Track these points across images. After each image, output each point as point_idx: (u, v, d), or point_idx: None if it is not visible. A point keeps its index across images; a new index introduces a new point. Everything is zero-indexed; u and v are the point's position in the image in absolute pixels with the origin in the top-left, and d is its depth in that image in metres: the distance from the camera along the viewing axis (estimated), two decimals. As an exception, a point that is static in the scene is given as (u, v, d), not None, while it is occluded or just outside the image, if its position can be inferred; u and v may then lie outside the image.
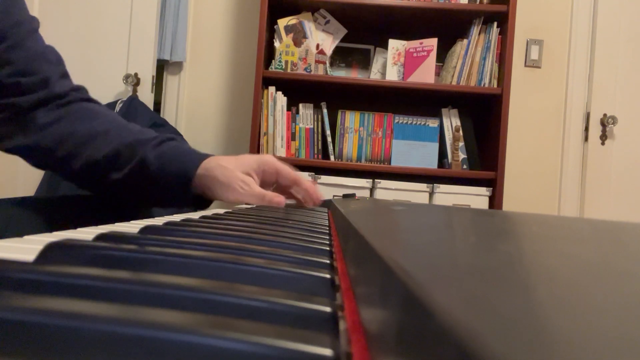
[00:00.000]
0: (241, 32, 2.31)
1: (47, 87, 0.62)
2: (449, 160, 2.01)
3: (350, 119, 2.04)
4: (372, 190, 1.94)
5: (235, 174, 0.61)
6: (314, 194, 0.68)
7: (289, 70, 1.97)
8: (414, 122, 2.03)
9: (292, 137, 2.03)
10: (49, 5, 2.14)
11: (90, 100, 0.67)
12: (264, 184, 0.67)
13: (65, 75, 0.66)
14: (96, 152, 0.61)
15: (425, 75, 1.98)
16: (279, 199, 0.62)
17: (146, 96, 2.10)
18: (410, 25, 2.09)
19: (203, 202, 0.65)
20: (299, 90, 2.12)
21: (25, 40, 0.62)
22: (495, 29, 1.95)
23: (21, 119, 0.61)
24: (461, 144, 2.02)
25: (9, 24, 0.61)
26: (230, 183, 0.60)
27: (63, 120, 0.62)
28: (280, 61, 1.99)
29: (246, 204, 0.65)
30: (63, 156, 0.61)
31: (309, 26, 2.04)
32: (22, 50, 0.61)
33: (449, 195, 1.92)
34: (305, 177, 0.67)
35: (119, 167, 0.61)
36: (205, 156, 0.62)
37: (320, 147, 2.06)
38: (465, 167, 2.02)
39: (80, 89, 0.67)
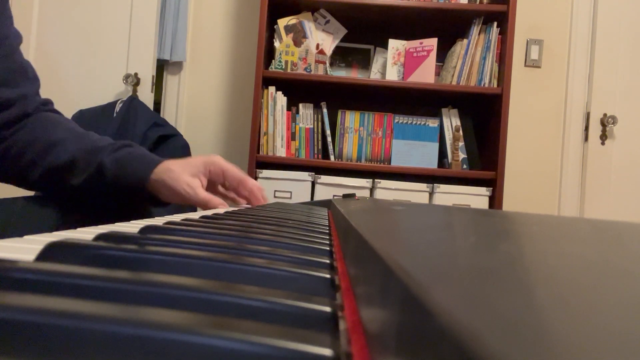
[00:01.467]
0: (241, 32, 2.31)
1: (23, 104, 0.64)
2: (449, 160, 2.01)
3: (350, 119, 2.04)
4: (372, 190, 1.94)
5: (182, 178, 0.63)
6: (257, 195, 0.70)
7: (289, 70, 1.97)
8: (414, 122, 2.03)
9: (292, 137, 2.03)
10: (49, 5, 2.13)
11: (53, 111, 0.69)
12: (211, 185, 0.69)
13: (37, 92, 0.68)
14: (55, 159, 0.63)
15: (425, 75, 1.98)
16: (223, 206, 0.64)
17: (146, 96, 2.10)
18: (410, 25, 2.09)
19: (161, 205, 0.67)
20: (299, 90, 2.12)
21: (13, 53, 0.64)
22: (495, 29, 1.95)
23: None
24: (461, 143, 2.02)
25: (1, 34, 0.62)
26: (175, 187, 0.62)
27: (24, 130, 0.64)
28: (280, 61, 1.99)
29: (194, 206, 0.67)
30: (24, 165, 0.63)
31: (309, 26, 2.04)
32: (10, 61, 0.63)
33: (449, 195, 1.92)
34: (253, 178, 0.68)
35: (78, 173, 0.63)
36: (160, 161, 0.65)
37: (320, 147, 2.06)
38: (465, 167, 2.02)
39: (47, 102, 0.69)
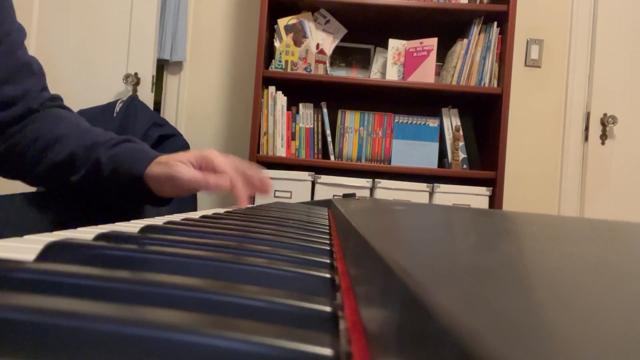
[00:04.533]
0: (241, 32, 2.31)
1: (27, 100, 0.64)
2: (449, 160, 2.01)
3: (350, 119, 2.04)
4: (372, 190, 1.94)
5: (170, 162, 0.61)
6: (240, 193, 0.67)
7: (289, 70, 1.97)
8: (414, 122, 2.03)
9: (292, 136, 2.03)
10: (49, 5, 2.13)
11: (61, 107, 0.68)
12: None
13: (44, 88, 0.67)
14: (56, 155, 0.62)
15: (425, 75, 1.98)
16: (224, 181, 0.62)
17: (146, 96, 2.10)
18: (410, 25, 2.09)
19: (163, 200, 0.65)
20: (299, 90, 2.12)
21: (16, 50, 0.63)
22: (495, 29, 1.95)
23: None
24: (461, 143, 2.02)
25: (2, 31, 0.62)
26: (166, 172, 0.60)
27: (30, 126, 0.64)
28: (280, 61, 1.99)
29: (194, 190, 0.64)
30: (29, 162, 0.63)
31: (309, 26, 2.04)
32: (11, 58, 0.62)
33: (449, 195, 1.92)
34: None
35: (76, 169, 0.62)
36: (157, 156, 0.63)
37: (320, 146, 2.06)
38: (465, 166, 2.02)
39: (56, 98, 0.68)
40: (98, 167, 0.61)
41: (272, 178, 1.91)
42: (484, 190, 1.91)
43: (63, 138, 0.63)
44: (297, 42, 2.01)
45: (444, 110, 2.05)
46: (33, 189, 0.68)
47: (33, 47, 2.08)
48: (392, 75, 2.04)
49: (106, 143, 0.63)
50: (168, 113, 2.28)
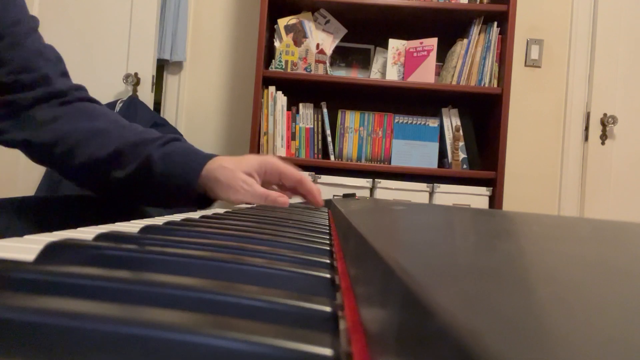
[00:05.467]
0: (241, 32, 2.31)
1: (48, 84, 0.62)
2: (449, 160, 2.01)
3: (350, 119, 2.04)
4: (372, 190, 1.94)
5: (236, 175, 0.61)
6: (317, 196, 0.68)
7: (289, 70, 1.97)
8: (414, 122, 2.03)
9: (292, 136, 2.03)
10: (49, 5, 2.13)
11: (91, 100, 0.67)
12: (265, 185, 0.66)
13: (65, 74, 0.66)
14: (98, 150, 0.60)
15: (425, 75, 1.98)
16: (283, 199, 0.62)
17: (146, 96, 2.10)
18: (410, 25, 2.09)
19: (206, 201, 0.65)
20: (299, 90, 2.12)
21: (25, 39, 0.62)
22: (495, 29, 1.95)
23: (22, 114, 0.61)
24: (461, 143, 2.02)
25: (6, 23, 0.61)
26: (231, 184, 0.60)
27: (64, 118, 0.62)
28: (280, 61, 1.99)
29: (248, 203, 0.65)
30: (62, 153, 0.61)
31: (309, 26, 2.04)
32: (21, 48, 0.61)
33: (449, 195, 1.92)
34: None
35: (122, 165, 0.60)
36: (210, 157, 0.62)
37: (320, 146, 2.06)
38: (465, 167, 2.02)
39: (81, 89, 0.67)
40: (149, 165, 0.59)
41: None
42: (484, 190, 1.91)
43: (105, 133, 0.61)
44: (297, 42, 2.01)
45: (444, 110, 2.05)
46: (32, 193, 0.68)
47: (33, 47, 2.08)
48: (392, 75, 2.04)
49: (155, 140, 0.61)
50: (168, 113, 2.28)
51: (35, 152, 0.62)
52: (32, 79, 0.61)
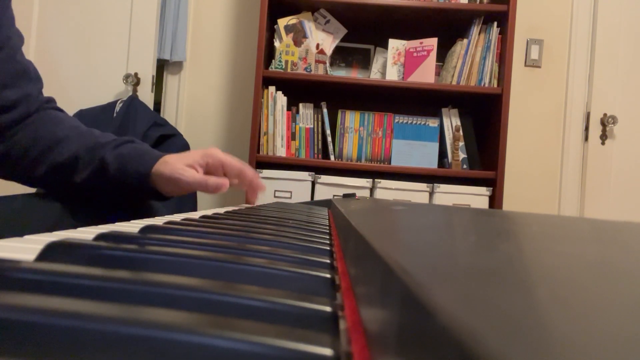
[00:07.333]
0: (241, 32, 2.31)
1: (27, 105, 0.65)
2: (449, 160, 2.01)
3: (350, 119, 2.04)
4: (372, 190, 1.94)
5: (177, 166, 0.64)
6: (254, 192, 0.73)
7: (289, 70, 1.97)
8: (414, 122, 2.03)
9: (292, 136, 2.03)
10: (49, 5, 2.13)
11: (56, 109, 0.70)
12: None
13: (40, 92, 0.69)
14: (58, 156, 0.64)
15: (425, 75, 1.98)
16: (222, 181, 0.65)
17: (146, 96, 2.10)
18: (410, 25, 2.09)
19: (162, 198, 0.68)
20: (299, 90, 2.12)
21: (16, 54, 0.64)
22: (495, 29, 1.95)
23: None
24: (461, 143, 2.02)
25: (4, 36, 0.62)
26: (172, 175, 0.63)
27: (28, 128, 0.65)
28: (280, 61, 1.99)
29: (192, 191, 0.68)
30: (29, 163, 0.64)
31: (309, 26, 2.04)
32: (12, 63, 0.63)
33: (449, 195, 1.92)
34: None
35: (80, 169, 0.64)
36: (160, 155, 0.66)
37: (320, 146, 2.06)
38: (465, 167, 2.02)
39: (50, 100, 0.70)
40: (103, 167, 0.63)
41: (272, 178, 1.91)
42: (484, 190, 1.91)
43: (64, 140, 0.64)
44: (297, 42, 2.01)
45: (444, 110, 2.05)
46: (32, 190, 0.69)
47: (33, 47, 2.08)
48: (392, 75, 2.04)
49: (109, 144, 0.65)
50: (168, 113, 2.28)
51: (5, 167, 0.65)
52: (15, 97, 0.63)
